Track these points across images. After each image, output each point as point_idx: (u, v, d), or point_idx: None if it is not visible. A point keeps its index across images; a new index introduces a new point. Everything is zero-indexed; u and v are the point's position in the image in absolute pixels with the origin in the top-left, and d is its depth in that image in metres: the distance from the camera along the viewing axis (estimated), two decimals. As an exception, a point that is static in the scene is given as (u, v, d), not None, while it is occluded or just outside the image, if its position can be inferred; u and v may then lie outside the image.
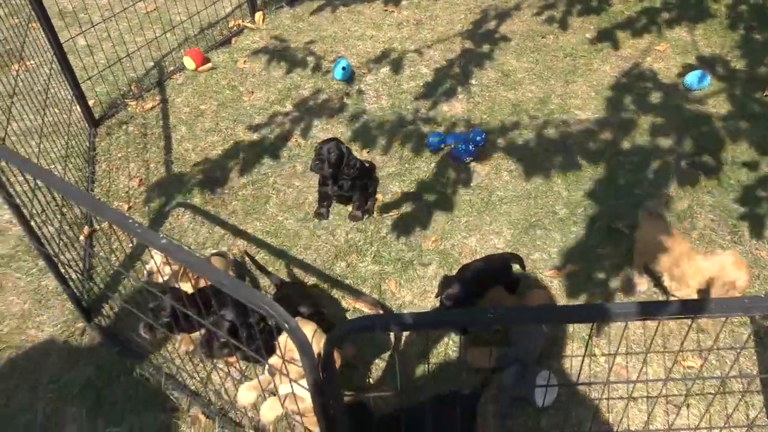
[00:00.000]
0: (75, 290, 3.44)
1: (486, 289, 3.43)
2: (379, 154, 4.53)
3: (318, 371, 1.93)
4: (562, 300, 3.59)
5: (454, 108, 4.92)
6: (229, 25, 5.94)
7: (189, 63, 5.38)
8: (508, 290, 3.53)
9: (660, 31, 5.65)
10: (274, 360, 2.58)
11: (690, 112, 4.76)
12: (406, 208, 4.14)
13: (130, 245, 3.92)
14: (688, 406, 3.03)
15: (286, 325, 1.88)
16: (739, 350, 3.22)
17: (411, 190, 4.26)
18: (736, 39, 5.50)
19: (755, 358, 3.24)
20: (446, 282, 3.32)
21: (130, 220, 2.13)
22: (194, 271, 2.16)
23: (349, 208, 4.12)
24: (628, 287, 3.59)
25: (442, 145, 4.49)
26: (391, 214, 4.10)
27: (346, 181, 3.88)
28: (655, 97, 4.92)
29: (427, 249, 3.88)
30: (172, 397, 3.18)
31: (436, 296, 3.38)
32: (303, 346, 1.89)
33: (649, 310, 1.83)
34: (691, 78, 4.96)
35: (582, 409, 3.05)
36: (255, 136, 4.74)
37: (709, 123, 4.66)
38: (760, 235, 3.84)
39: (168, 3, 5.86)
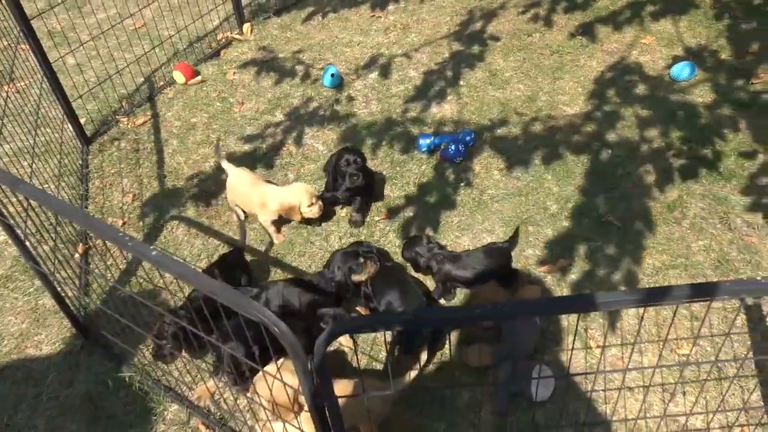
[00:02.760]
0: (72, 308, 3.46)
1: (485, 280, 3.52)
2: (370, 158, 4.56)
3: (311, 375, 1.95)
4: (556, 295, 3.61)
5: (444, 109, 4.96)
6: (218, 38, 5.98)
7: (178, 77, 5.42)
8: (504, 284, 3.56)
9: (644, 25, 5.68)
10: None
11: (677, 104, 4.79)
12: (398, 210, 4.17)
13: (125, 261, 3.95)
14: (684, 393, 3.05)
15: (275, 329, 1.90)
16: (724, 336, 3.24)
17: (403, 193, 4.28)
18: (720, 29, 5.53)
19: (748, 342, 3.26)
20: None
21: (121, 234, 2.16)
22: (187, 282, 2.18)
23: (343, 212, 4.15)
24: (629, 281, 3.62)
25: (432, 146, 4.52)
26: (383, 216, 4.12)
27: (356, 185, 3.93)
28: (642, 90, 4.95)
29: (420, 250, 3.91)
30: (171, 409, 3.20)
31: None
32: (294, 349, 1.91)
33: (638, 299, 1.85)
34: (678, 69, 4.99)
35: (579, 402, 3.07)
36: (247, 147, 4.77)
37: (696, 113, 4.68)
38: (750, 222, 3.86)
39: (156, 18, 5.91)
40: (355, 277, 3.39)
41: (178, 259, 3.59)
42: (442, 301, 3.62)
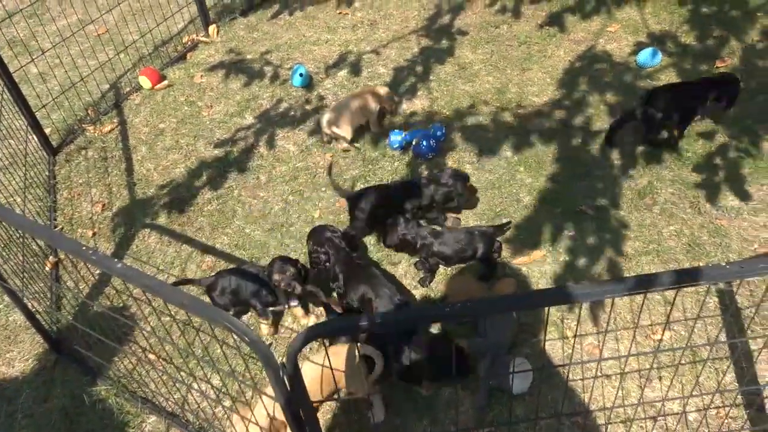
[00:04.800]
0: (43, 323, 3.40)
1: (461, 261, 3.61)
2: (342, 157, 4.54)
3: (284, 382, 1.93)
4: (533, 287, 3.63)
5: (414, 105, 4.95)
6: (183, 41, 5.91)
7: (145, 82, 5.34)
8: (483, 274, 3.63)
9: (610, 13, 5.72)
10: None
11: (645, 90, 4.82)
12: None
13: (97, 272, 3.88)
14: (660, 377, 3.08)
15: (246, 338, 1.88)
16: (697, 320, 3.28)
17: (376, 191, 4.27)
18: (684, 14, 5.59)
19: (720, 324, 3.31)
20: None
21: (84, 247, 2.12)
22: (156, 295, 2.15)
23: (316, 213, 4.13)
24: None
25: (404, 143, 4.51)
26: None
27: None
28: (610, 78, 4.99)
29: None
30: (149, 421, 3.16)
31: None
32: (267, 358, 1.90)
33: (611, 289, 1.86)
34: (644, 56, 5.04)
35: (557, 392, 3.09)
36: (217, 151, 4.72)
37: (663, 99, 4.72)
38: (720, 205, 3.91)
39: (119, 24, 5.81)
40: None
41: (145, 270, 3.56)
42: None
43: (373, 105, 4.59)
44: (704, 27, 5.40)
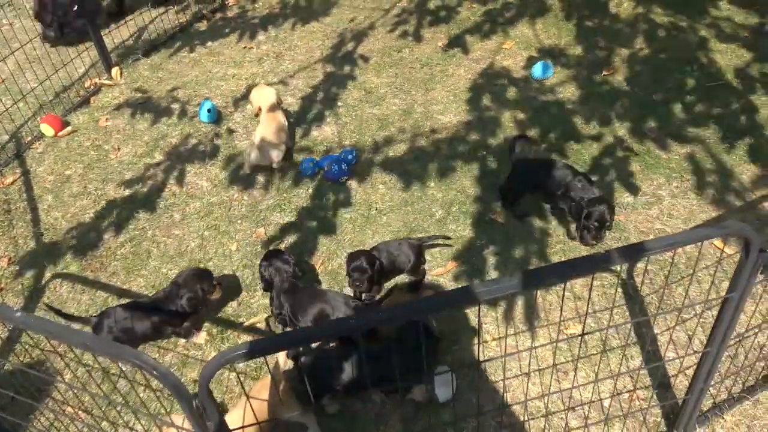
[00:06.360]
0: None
1: (392, 274, 3.67)
2: (258, 189, 4.55)
3: (198, 413, 1.93)
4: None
5: (324, 132, 5.03)
6: (86, 85, 5.79)
7: (47, 130, 5.19)
8: (411, 287, 3.74)
9: (505, 31, 6.03)
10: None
11: (542, 101, 5.11)
12: (290, 236, 4.18)
13: (7, 329, 3.72)
14: (575, 369, 3.24)
15: (154, 372, 1.87)
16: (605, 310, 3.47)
17: (292, 219, 4.30)
18: (571, 28, 5.97)
19: (627, 313, 3.52)
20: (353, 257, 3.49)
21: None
22: (59, 340, 2.10)
23: (233, 246, 4.12)
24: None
25: (317, 169, 4.57)
26: (275, 244, 4.12)
27: None
28: (509, 92, 5.25)
29: (317, 271, 3.94)
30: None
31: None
32: (177, 390, 1.89)
33: (515, 284, 1.96)
34: (537, 70, 5.33)
35: (482, 395, 3.19)
36: (127, 192, 4.63)
37: (562, 108, 5.01)
38: (640, 209, 4.14)
39: (15, 73, 5.63)
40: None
41: (58, 321, 3.44)
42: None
43: (283, 119, 4.73)
44: (590, 39, 5.78)
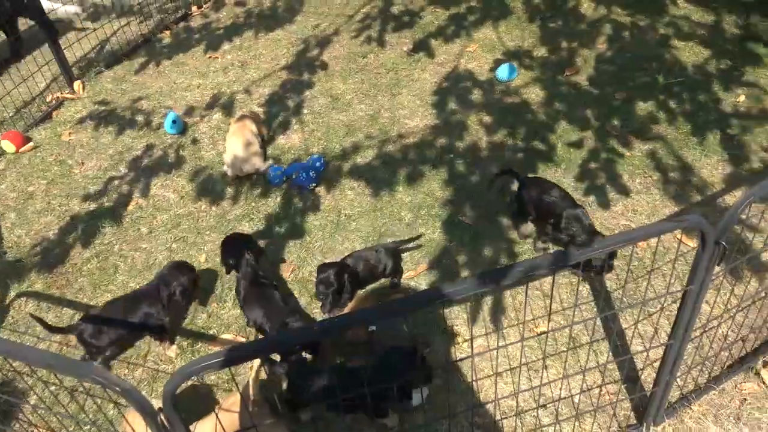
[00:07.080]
0: None
1: (370, 281, 3.67)
2: (227, 199, 4.52)
3: (162, 428, 1.91)
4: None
5: (291, 139, 5.02)
6: (47, 100, 5.70)
7: (8, 146, 5.09)
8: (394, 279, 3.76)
9: (469, 34, 6.08)
10: None
11: (507, 103, 5.16)
12: (260, 245, 4.15)
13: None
14: (545, 367, 3.27)
15: (117, 389, 1.85)
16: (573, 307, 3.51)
17: (262, 227, 4.28)
18: (534, 30, 6.04)
19: (595, 309, 3.56)
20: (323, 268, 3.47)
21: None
22: (20, 360, 2.06)
23: (202, 258, 4.08)
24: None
25: (284, 177, 4.56)
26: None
27: None
28: (475, 94, 5.29)
29: (286, 279, 3.92)
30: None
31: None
32: (141, 405, 1.87)
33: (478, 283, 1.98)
34: (502, 71, 5.39)
35: (454, 396, 3.19)
36: (92, 207, 4.56)
37: (528, 109, 5.07)
38: (606, 206, 4.20)
39: (-27, 89, 5.52)
40: None
41: (23, 341, 3.36)
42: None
43: (254, 126, 4.76)
44: (553, 39, 5.86)
